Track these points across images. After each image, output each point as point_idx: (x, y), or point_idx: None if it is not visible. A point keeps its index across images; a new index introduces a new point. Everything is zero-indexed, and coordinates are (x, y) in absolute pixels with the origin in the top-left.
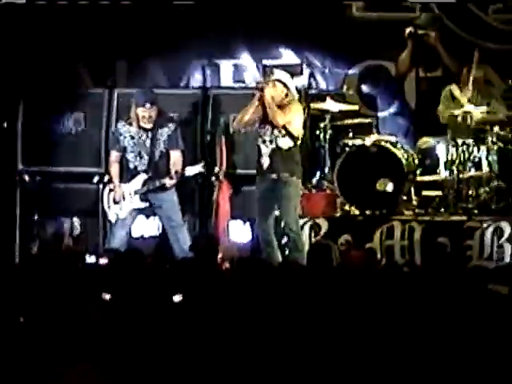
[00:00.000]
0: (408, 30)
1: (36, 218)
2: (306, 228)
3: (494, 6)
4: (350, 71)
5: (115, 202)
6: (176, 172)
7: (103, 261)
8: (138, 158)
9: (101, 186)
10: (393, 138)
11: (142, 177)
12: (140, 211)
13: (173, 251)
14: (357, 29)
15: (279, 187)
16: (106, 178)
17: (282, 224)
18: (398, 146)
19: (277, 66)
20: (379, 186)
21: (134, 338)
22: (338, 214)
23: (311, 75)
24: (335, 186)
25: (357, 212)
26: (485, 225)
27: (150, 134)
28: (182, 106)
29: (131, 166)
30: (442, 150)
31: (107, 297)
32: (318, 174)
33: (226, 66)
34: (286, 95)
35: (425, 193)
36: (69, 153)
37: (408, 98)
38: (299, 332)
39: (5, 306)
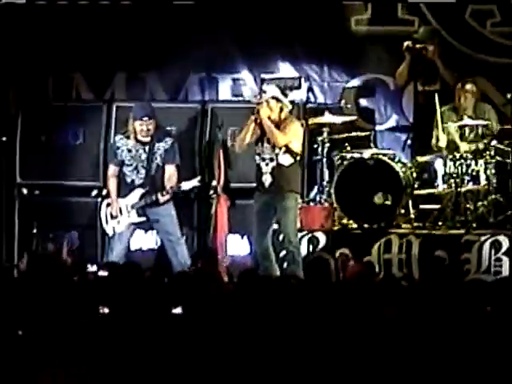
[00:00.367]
0: (406, 44)
1: (34, 231)
2: (304, 241)
3: (492, 19)
4: (348, 85)
5: (112, 217)
6: (171, 187)
7: (102, 273)
8: (135, 172)
9: (99, 200)
10: (391, 152)
11: (139, 191)
12: (138, 225)
13: (171, 265)
14: (355, 43)
15: (278, 200)
16: (104, 192)
17: (281, 237)
18: (396, 159)
19: (272, 79)
20: (377, 200)
21: (132, 351)
22: (335, 228)
23: (309, 89)
24: (333, 199)
25: (354, 225)
26: (483, 238)
27: (147, 148)
28: (181, 119)
29: (128, 179)
30: (439, 164)
31: (105, 310)
32: (316, 187)
33: (224, 80)
34: (281, 109)
35: (422, 206)
36: (67, 166)
37: (406, 111)
38: (298, 346)
39: (3, 320)
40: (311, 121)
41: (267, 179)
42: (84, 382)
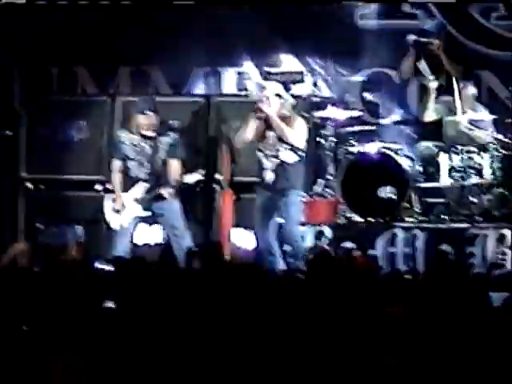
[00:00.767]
0: (411, 38)
1: (39, 225)
2: (309, 235)
3: (496, 12)
4: (353, 79)
5: (117, 211)
6: (174, 181)
7: (107, 268)
8: (139, 166)
9: (103, 194)
10: (395, 146)
11: (143, 185)
12: (142, 219)
13: (176, 259)
14: (360, 37)
15: (280, 197)
16: (108, 187)
17: (285, 232)
18: (401, 153)
19: (276, 74)
20: (382, 193)
21: (139, 344)
22: (340, 221)
23: (314, 83)
24: (338, 192)
25: (359, 219)
26: (487, 232)
27: (150, 142)
28: (185, 113)
29: (132, 174)
30: (444, 158)
31: (111, 304)
32: (321, 181)
33: (228, 74)
34: (278, 95)
35: (427, 200)
36: (72, 160)
37: (410, 105)
38: (301, 339)
39: (8, 314)
40: (316, 114)
41: (269, 176)
42: (91, 375)
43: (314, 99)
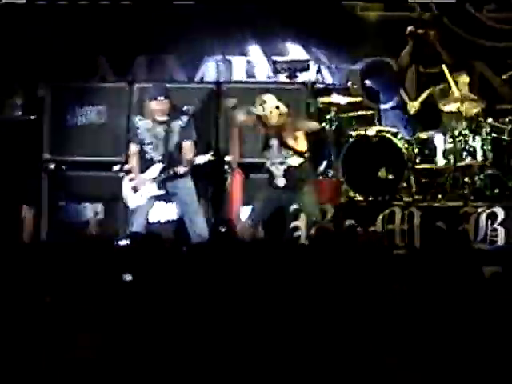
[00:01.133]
0: (409, 29)
1: (61, 203)
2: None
3: (489, 5)
4: (355, 66)
5: (135, 190)
6: (187, 160)
7: (125, 243)
8: (154, 149)
9: (121, 175)
10: (393, 129)
11: (158, 166)
12: (157, 198)
13: (190, 236)
14: (361, 27)
15: (294, 193)
16: (126, 168)
17: (304, 215)
18: (399, 136)
19: (283, 62)
20: (381, 174)
21: (155, 316)
22: (342, 200)
23: (318, 71)
24: (340, 173)
25: (360, 198)
26: (480, 210)
27: (164, 127)
28: (197, 99)
29: (148, 156)
30: (439, 140)
31: (128, 277)
32: (325, 162)
33: (238, 62)
34: (277, 107)
35: (423, 180)
36: (92, 143)
37: (408, 91)
38: (304, 310)
39: (31, 287)
40: (320, 100)
41: (281, 182)
42: (108, 347)
43: (319, 86)
